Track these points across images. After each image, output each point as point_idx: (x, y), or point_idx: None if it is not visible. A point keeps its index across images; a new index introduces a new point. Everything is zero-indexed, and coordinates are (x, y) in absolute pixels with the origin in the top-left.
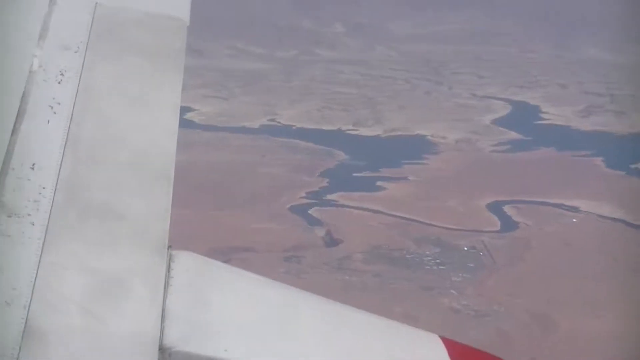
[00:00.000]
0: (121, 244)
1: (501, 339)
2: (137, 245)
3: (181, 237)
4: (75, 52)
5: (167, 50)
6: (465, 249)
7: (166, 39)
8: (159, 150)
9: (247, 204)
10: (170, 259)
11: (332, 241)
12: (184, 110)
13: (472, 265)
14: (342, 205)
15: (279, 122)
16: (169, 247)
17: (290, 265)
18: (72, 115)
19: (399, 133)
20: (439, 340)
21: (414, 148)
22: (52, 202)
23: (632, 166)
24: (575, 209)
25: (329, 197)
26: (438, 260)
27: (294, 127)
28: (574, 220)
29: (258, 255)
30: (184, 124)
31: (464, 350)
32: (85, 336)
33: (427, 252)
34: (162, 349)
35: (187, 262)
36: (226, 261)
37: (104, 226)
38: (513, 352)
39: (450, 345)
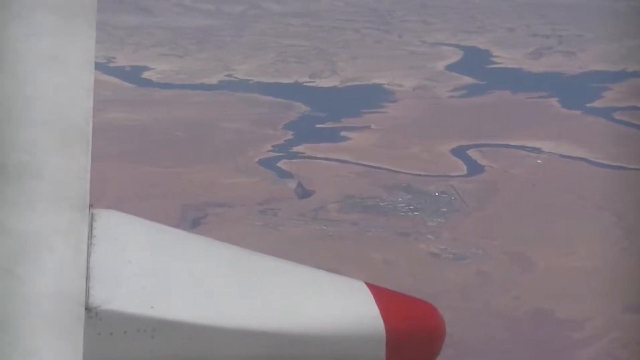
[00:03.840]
0: (40, 204)
1: (483, 280)
2: (57, 204)
3: (152, 195)
4: None
5: (78, 6)
6: (437, 194)
7: None
8: (74, 108)
9: (214, 159)
10: (92, 218)
11: (304, 192)
12: (141, 69)
13: (445, 209)
14: (310, 157)
15: (236, 77)
16: (91, 206)
17: (266, 218)
18: None
19: (355, 83)
20: (364, 287)
21: (372, 97)
22: None
23: (588, 105)
24: (537, 150)
25: (295, 149)
26: (411, 207)
27: (251, 82)
28: (538, 161)
29: (233, 210)
30: (143, 83)
31: (391, 295)
32: (10, 298)
33: (400, 199)
34: (88, 309)
35: (109, 220)
36: (203, 217)
37: (22, 186)
38: (496, 292)
39: (376, 291)
